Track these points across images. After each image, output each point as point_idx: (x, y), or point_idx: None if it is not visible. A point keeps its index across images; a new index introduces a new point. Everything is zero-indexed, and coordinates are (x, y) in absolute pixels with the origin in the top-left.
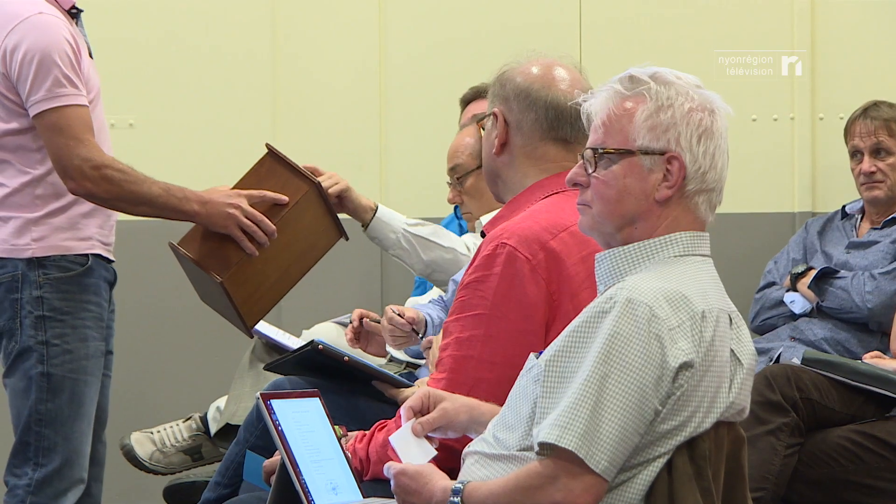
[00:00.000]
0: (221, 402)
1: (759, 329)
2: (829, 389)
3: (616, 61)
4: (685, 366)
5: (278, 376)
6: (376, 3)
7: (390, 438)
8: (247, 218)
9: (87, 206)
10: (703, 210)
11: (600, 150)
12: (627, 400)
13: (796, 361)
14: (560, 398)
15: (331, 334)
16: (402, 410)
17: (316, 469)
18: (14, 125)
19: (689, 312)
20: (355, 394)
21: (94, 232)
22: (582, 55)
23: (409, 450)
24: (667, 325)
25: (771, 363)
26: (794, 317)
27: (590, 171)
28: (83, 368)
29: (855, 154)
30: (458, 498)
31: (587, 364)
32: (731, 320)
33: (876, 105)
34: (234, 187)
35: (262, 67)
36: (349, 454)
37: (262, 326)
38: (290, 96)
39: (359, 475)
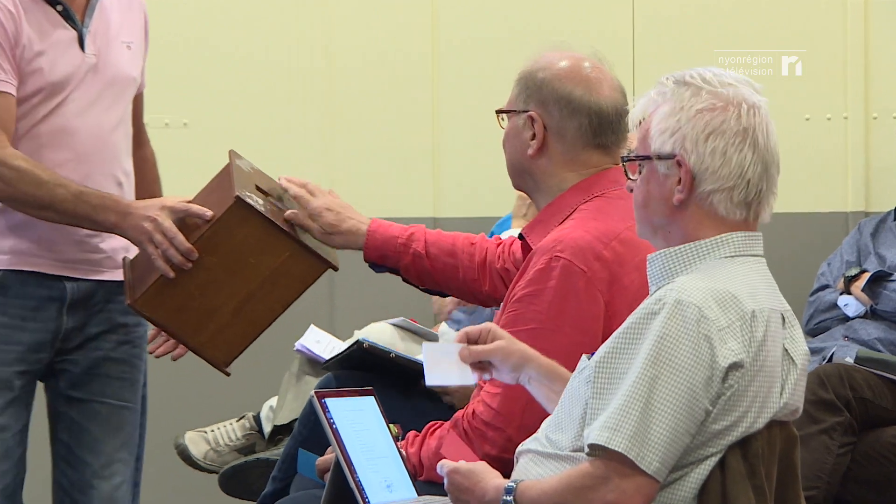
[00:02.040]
0: (274, 400)
1: (813, 332)
2: (883, 389)
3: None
4: (735, 366)
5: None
6: (429, 3)
7: (424, 345)
8: (161, 233)
9: (5, 213)
10: (725, 208)
11: (626, 158)
12: (677, 401)
13: (849, 360)
14: (610, 399)
15: (384, 335)
16: (459, 334)
17: (370, 467)
18: None
19: (739, 312)
20: (409, 391)
21: (18, 244)
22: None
23: (440, 366)
24: (716, 325)
25: (824, 362)
26: (847, 318)
27: (630, 177)
28: None
29: None
30: (512, 496)
31: (637, 365)
32: (783, 319)
33: None
34: (190, 200)
35: (315, 68)
36: (404, 453)
37: (308, 339)
38: (342, 96)
39: (413, 474)
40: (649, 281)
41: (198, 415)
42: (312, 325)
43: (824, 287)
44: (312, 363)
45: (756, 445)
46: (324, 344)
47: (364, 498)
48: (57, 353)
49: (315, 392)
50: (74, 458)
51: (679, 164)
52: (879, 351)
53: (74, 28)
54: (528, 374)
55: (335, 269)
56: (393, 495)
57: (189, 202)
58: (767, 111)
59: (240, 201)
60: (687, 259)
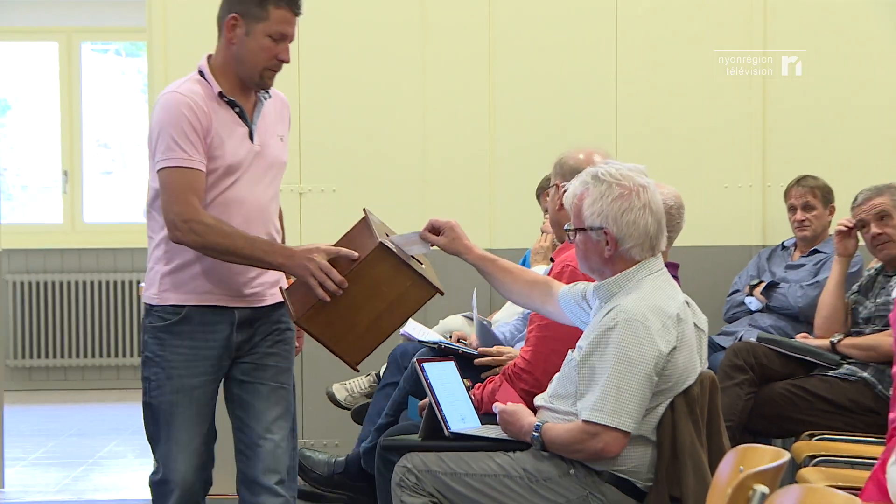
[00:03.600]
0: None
1: (729, 320)
2: (773, 357)
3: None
4: (672, 350)
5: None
6: (486, 43)
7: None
8: (319, 269)
9: (190, 264)
10: (639, 254)
11: (567, 228)
12: (640, 383)
13: (753, 339)
14: (592, 386)
15: (456, 323)
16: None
17: (451, 407)
18: (156, 185)
19: (666, 316)
20: (471, 362)
21: (200, 285)
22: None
23: (410, 245)
24: (654, 329)
25: (736, 341)
26: (751, 312)
27: (571, 239)
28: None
29: (791, 209)
30: (539, 432)
31: (608, 364)
32: (688, 304)
33: (805, 177)
34: (334, 244)
35: (413, 137)
36: (473, 398)
37: (409, 327)
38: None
39: (478, 410)
40: (598, 297)
41: (341, 373)
42: (411, 319)
43: (736, 291)
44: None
45: (693, 392)
46: (418, 331)
47: (446, 426)
48: (233, 360)
49: (417, 359)
50: (244, 426)
51: (606, 233)
52: (772, 334)
53: (246, 125)
54: (466, 259)
55: (441, 293)
56: (465, 424)
57: (333, 245)
58: (654, 187)
59: (382, 246)
60: (620, 284)
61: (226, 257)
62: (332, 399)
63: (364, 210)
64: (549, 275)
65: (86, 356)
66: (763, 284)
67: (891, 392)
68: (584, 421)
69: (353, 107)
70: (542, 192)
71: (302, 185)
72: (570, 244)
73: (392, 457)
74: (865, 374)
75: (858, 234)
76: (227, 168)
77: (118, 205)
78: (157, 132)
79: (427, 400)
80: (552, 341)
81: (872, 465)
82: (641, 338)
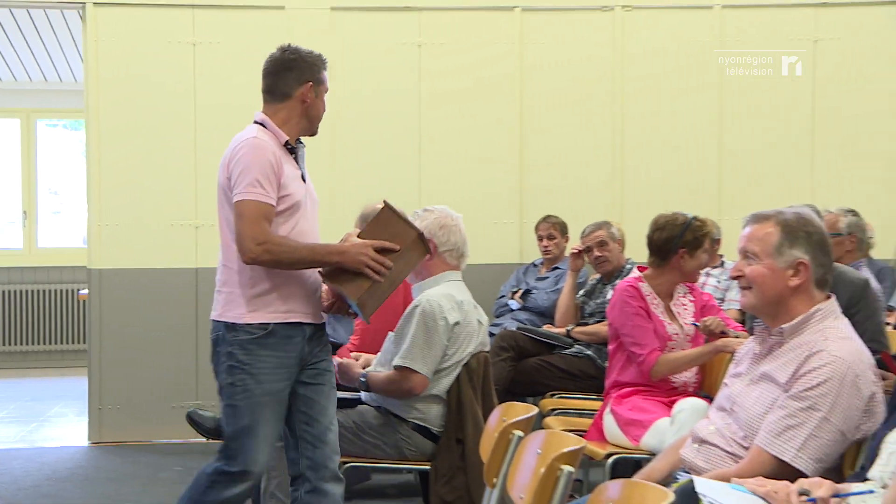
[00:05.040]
0: None
1: (497, 315)
2: (528, 341)
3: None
4: (456, 323)
5: None
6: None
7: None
8: (373, 260)
9: (274, 288)
10: (450, 260)
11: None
12: (434, 342)
13: (513, 329)
14: (401, 343)
15: None
16: None
17: None
18: (230, 219)
19: (454, 301)
20: None
21: (281, 306)
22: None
23: None
24: (446, 308)
25: (502, 330)
26: (512, 310)
27: None
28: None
29: (539, 238)
30: (365, 378)
31: (411, 329)
32: (474, 306)
33: (548, 216)
34: (361, 234)
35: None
36: None
37: None
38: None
39: None
40: (414, 295)
41: None
42: None
43: (503, 296)
44: None
45: (472, 365)
46: None
47: None
48: (302, 367)
49: None
50: (312, 420)
51: (430, 241)
52: (526, 325)
53: (300, 169)
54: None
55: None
56: None
57: (360, 235)
58: (461, 219)
59: (421, 236)
60: (434, 283)
61: (295, 266)
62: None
63: (385, 202)
64: None
65: (37, 343)
66: (521, 291)
67: (606, 364)
68: (395, 367)
69: None
70: None
71: (197, 219)
72: None
73: None
74: (589, 352)
75: (585, 255)
76: (295, 205)
77: (63, 235)
78: (240, 169)
79: None
80: (372, 333)
81: (594, 415)
82: (436, 310)
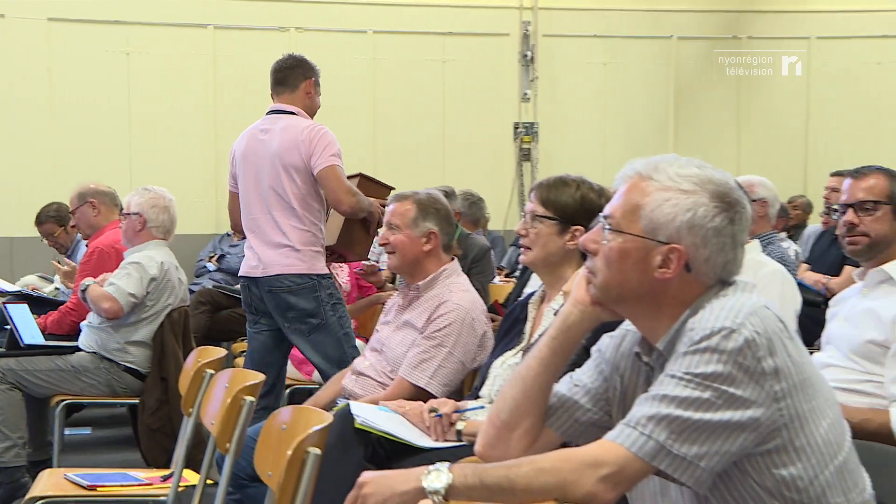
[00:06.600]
0: None
1: (196, 275)
2: (222, 297)
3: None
4: (152, 279)
5: None
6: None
7: None
8: (380, 212)
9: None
10: (156, 232)
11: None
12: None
13: (210, 287)
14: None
15: (33, 279)
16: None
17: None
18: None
19: (155, 263)
20: None
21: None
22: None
23: None
24: (149, 267)
25: (201, 287)
26: (210, 271)
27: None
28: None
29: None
30: (84, 289)
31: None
32: (176, 267)
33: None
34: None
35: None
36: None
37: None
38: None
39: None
40: (125, 257)
41: None
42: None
43: (201, 260)
44: None
45: (174, 316)
46: (6, 285)
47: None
48: None
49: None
50: None
51: (142, 216)
52: (221, 284)
53: None
54: None
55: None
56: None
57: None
58: (174, 202)
59: (391, 189)
60: (139, 250)
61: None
62: None
63: (360, 173)
64: None
65: None
66: (217, 255)
67: None
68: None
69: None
70: None
71: None
72: None
73: None
74: None
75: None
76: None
77: None
78: (325, 145)
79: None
80: None
81: None
82: (146, 265)
